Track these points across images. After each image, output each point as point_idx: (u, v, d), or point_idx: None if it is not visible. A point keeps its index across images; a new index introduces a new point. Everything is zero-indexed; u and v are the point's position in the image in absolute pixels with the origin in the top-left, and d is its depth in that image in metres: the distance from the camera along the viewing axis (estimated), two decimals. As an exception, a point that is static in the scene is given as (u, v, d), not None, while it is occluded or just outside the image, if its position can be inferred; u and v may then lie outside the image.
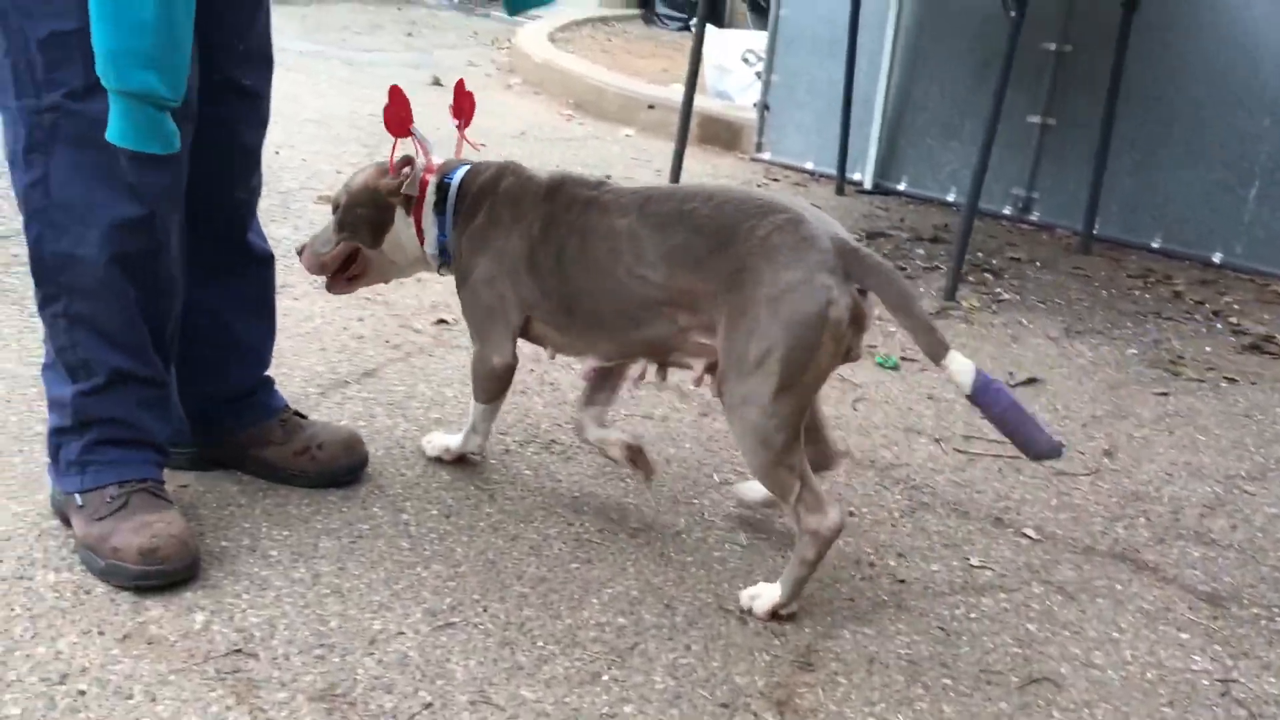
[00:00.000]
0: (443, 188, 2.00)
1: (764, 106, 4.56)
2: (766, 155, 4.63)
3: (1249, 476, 2.37)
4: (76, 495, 1.72)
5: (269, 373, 2.05)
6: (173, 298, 1.77)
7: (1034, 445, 1.59)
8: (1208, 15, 3.62)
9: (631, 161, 4.49)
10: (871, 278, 1.65)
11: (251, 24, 1.83)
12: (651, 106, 5.02)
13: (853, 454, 2.31)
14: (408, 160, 2.02)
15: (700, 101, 4.94)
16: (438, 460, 2.11)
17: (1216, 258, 3.73)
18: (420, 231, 2.03)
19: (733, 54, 5.01)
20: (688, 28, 7.35)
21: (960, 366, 1.59)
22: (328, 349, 2.54)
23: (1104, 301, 3.36)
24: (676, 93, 5.23)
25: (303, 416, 2.05)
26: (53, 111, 1.58)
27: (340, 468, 1.99)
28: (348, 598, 1.69)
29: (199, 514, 1.85)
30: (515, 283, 1.92)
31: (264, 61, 1.88)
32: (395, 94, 1.97)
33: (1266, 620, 1.88)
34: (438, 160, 2.05)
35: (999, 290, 3.37)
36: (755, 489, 2.03)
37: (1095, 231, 3.85)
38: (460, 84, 2.09)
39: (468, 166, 2.03)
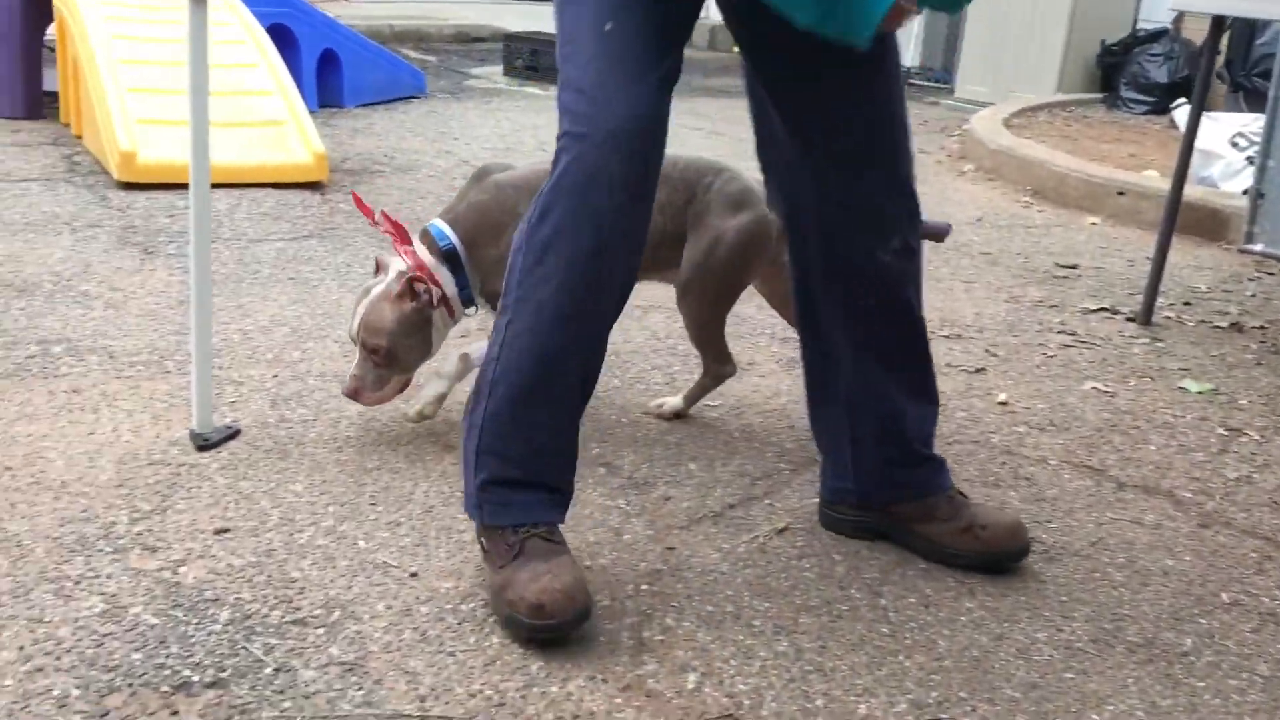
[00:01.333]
0: (448, 252, 2.28)
1: (1257, 194, 4.15)
2: (1259, 246, 4.20)
3: None
4: (481, 534, 1.82)
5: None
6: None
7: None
8: None
9: (1099, 250, 4.25)
10: None
11: None
12: (1121, 193, 4.74)
13: None
14: (416, 278, 2.23)
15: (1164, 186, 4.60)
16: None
17: None
18: (452, 310, 2.31)
19: (1221, 138, 4.63)
20: (1156, 111, 6.90)
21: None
22: (795, 427, 2.58)
23: None
24: (1149, 179, 4.91)
25: (965, 496, 2.06)
26: None
27: (1003, 551, 1.98)
28: (831, 677, 1.68)
29: (684, 577, 1.93)
30: None
31: None
32: (356, 200, 2.36)
33: None
34: (411, 244, 2.28)
35: None
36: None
37: None
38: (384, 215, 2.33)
39: (435, 220, 2.32)
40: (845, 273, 1.94)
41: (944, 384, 2.83)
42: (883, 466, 2.03)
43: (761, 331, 3.18)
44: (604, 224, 1.69)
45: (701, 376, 2.55)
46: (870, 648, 1.76)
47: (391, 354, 2.24)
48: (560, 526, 1.83)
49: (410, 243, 2.28)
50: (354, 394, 2.26)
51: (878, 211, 1.89)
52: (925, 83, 8.59)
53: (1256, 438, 2.62)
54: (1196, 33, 7.00)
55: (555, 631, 1.69)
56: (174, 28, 4.86)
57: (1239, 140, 4.49)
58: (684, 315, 2.45)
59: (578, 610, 1.70)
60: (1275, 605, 1.93)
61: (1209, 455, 2.52)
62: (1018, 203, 5.02)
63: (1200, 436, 2.62)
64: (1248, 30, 6.26)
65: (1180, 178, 3.38)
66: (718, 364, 2.51)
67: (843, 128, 1.86)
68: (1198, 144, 4.78)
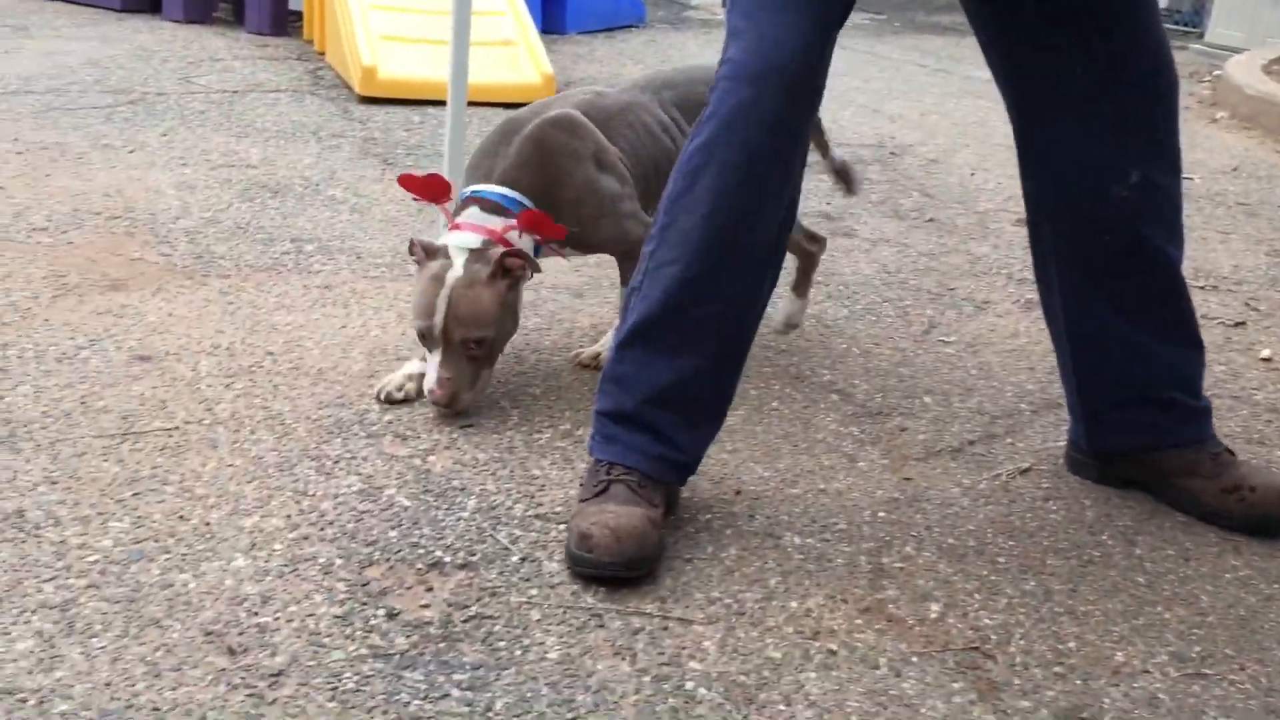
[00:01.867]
0: (501, 208, 2.03)
1: None
2: None
3: None
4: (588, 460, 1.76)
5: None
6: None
7: None
8: None
9: (1372, 207, 3.89)
10: None
11: None
12: (1401, 146, 4.33)
13: None
14: (516, 254, 2.01)
15: None
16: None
17: None
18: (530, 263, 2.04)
19: None
20: None
21: None
22: (1036, 369, 2.47)
23: None
24: None
25: (1231, 453, 1.93)
26: None
27: (1271, 516, 1.85)
28: (1084, 622, 1.60)
29: (923, 508, 1.87)
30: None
31: None
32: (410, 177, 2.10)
33: None
34: (461, 218, 2.05)
35: None
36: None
37: None
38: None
39: (486, 187, 2.06)
40: (1074, 209, 1.83)
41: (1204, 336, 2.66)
42: (1118, 411, 1.91)
43: (998, 271, 3.06)
44: (755, 157, 1.63)
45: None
46: (1125, 596, 1.67)
47: (493, 344, 2.03)
48: (677, 486, 1.77)
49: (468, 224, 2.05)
50: (451, 399, 1.99)
51: (1112, 145, 1.77)
52: (1173, 26, 8.02)
53: None
54: None
55: (593, 568, 1.59)
56: (414, -52, 4.98)
57: None
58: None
59: (622, 556, 1.58)
60: None
61: None
62: (1277, 153, 4.64)
63: None
64: None
65: None
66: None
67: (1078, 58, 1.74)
68: None
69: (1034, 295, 2.87)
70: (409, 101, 4.25)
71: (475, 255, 2.00)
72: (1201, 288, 2.99)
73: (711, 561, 1.69)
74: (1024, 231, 3.42)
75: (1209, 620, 1.62)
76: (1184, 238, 1.87)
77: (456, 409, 2.02)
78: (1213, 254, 3.28)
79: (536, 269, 2.05)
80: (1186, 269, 2.98)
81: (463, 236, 2.02)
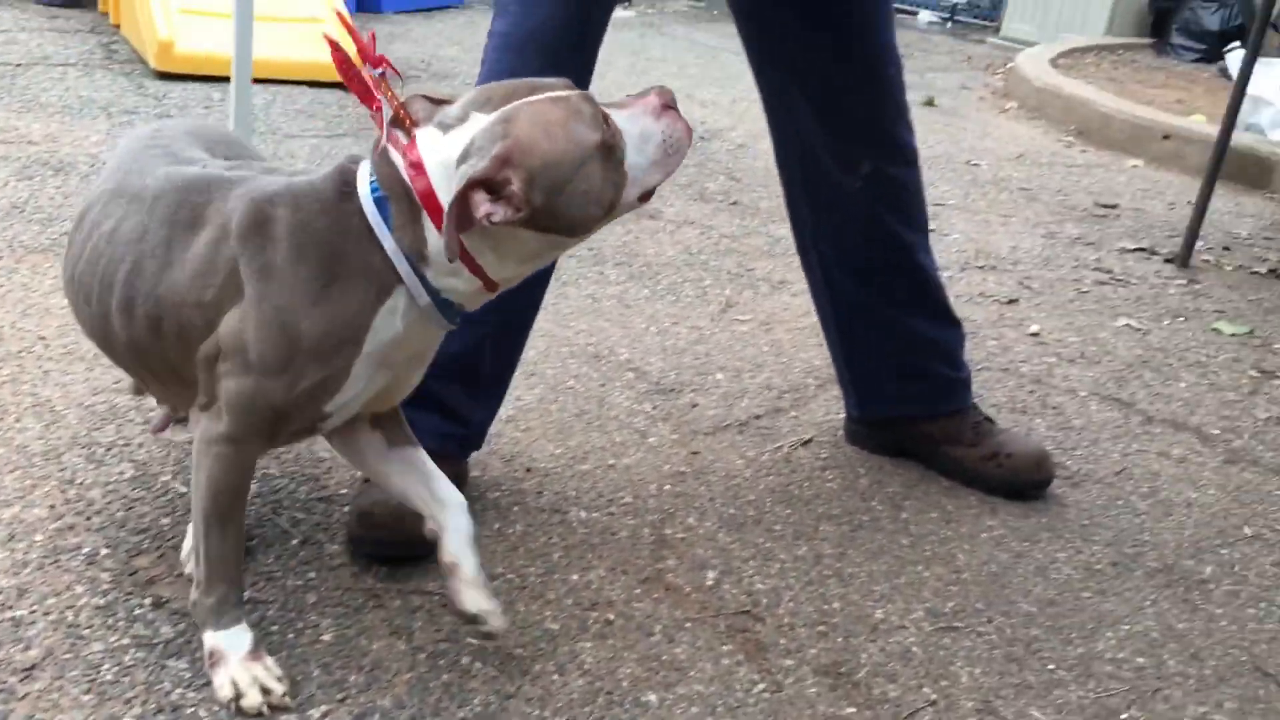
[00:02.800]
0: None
1: (1305, 142, 4.07)
2: (1303, 196, 4.13)
3: None
4: None
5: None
6: None
7: None
8: None
9: (1140, 193, 4.18)
10: None
11: None
12: (1167, 137, 4.65)
13: None
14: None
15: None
16: None
17: None
18: None
19: (1272, 84, 4.53)
20: (1206, 59, 6.74)
21: None
22: (824, 345, 2.57)
23: None
24: (1195, 124, 4.82)
25: (991, 422, 2.04)
26: None
27: (1025, 481, 1.97)
28: (849, 583, 1.69)
29: (707, 480, 1.94)
30: None
31: None
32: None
33: None
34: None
35: None
36: None
37: None
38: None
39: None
40: (816, 194, 1.93)
41: (975, 312, 2.82)
42: (881, 382, 2.02)
43: (794, 251, 3.16)
44: None
45: None
46: (889, 557, 1.77)
47: None
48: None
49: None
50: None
51: (843, 137, 1.86)
52: (971, 19, 8.41)
53: (1289, 382, 2.60)
54: (1255, -21, 6.83)
55: (373, 546, 1.60)
56: (215, -81, 4.80)
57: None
58: None
59: (403, 534, 1.53)
60: (1297, 541, 1.93)
61: (1240, 395, 2.50)
62: (1060, 141, 4.94)
63: (1232, 377, 2.60)
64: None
65: (1230, 121, 3.31)
66: None
67: (808, 68, 1.84)
68: (1252, 90, 4.69)
69: (826, 275, 2.99)
70: (208, 78, 4.10)
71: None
72: (981, 268, 3.16)
73: (497, 539, 1.70)
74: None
75: (964, 577, 1.73)
76: (926, 221, 1.98)
77: None
78: (994, 236, 3.47)
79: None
80: (967, 249, 3.15)
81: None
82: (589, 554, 1.69)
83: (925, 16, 8.51)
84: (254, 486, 1.74)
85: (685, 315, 2.64)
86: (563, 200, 1.23)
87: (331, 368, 1.27)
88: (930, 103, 5.42)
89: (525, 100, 1.25)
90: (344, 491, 1.76)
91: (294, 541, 1.63)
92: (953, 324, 2.03)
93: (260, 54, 3.92)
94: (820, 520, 1.85)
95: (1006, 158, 4.51)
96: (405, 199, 1.26)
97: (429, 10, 6.46)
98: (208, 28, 4.20)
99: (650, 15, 7.55)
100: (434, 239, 1.25)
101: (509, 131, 1.22)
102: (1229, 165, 4.33)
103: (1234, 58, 4.75)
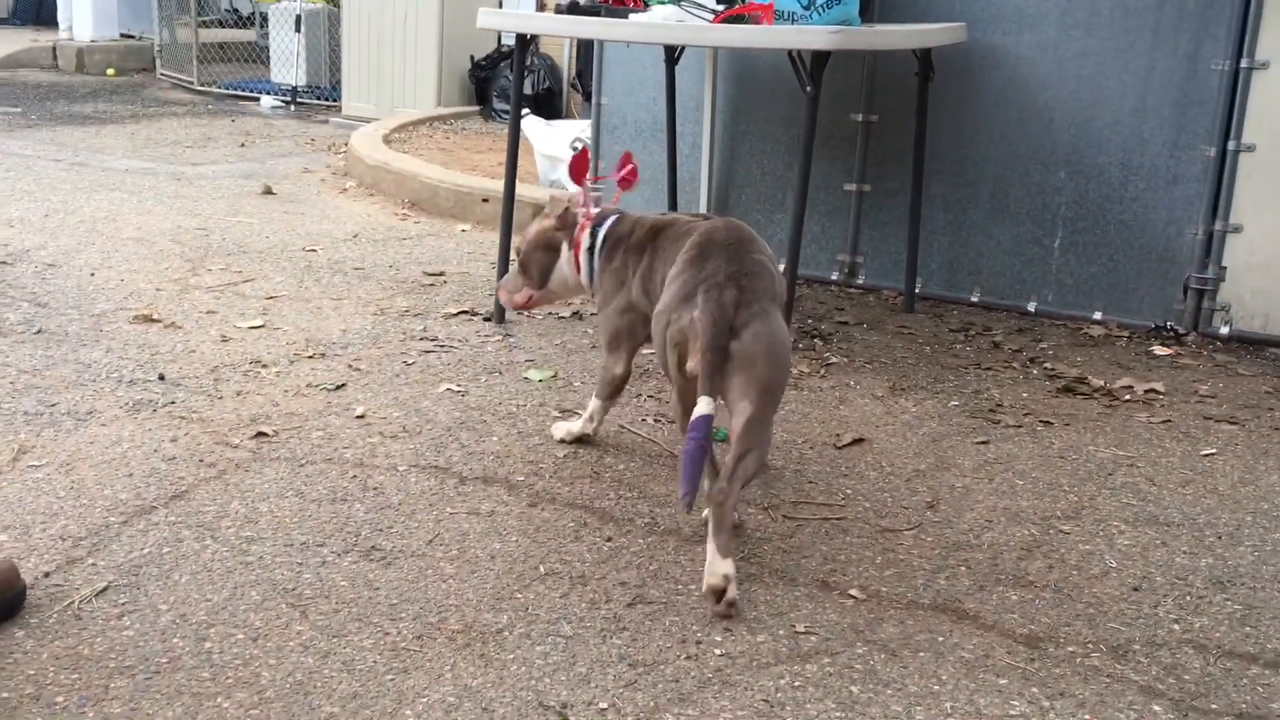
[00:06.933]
0: (594, 234, 2.57)
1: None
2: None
3: (1064, 516, 2.44)
4: None
5: None
6: None
7: (681, 486, 2.00)
8: (998, 79, 3.81)
9: (467, 255, 4.48)
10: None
11: None
12: (486, 200, 5.04)
13: (681, 529, 2.30)
14: (566, 207, 2.62)
15: (530, 191, 4.98)
16: (562, 442, 2.71)
17: (1031, 306, 3.87)
18: (579, 265, 2.59)
19: (560, 143, 5.07)
20: (526, 121, 7.43)
21: (704, 406, 2.01)
22: (135, 474, 2.43)
23: (928, 357, 3.46)
24: (510, 185, 5.27)
25: None
26: None
27: None
28: (140, 739, 1.59)
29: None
30: (640, 307, 2.46)
31: None
32: (583, 154, 2.74)
33: (1082, 657, 1.91)
34: (595, 210, 2.60)
35: (827, 354, 3.43)
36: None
37: (918, 290, 3.98)
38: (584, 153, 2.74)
39: (616, 217, 2.57)
40: None
41: (303, 405, 2.83)
42: None
43: (108, 376, 2.97)
44: None
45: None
46: (187, 697, 1.69)
47: (523, 257, 2.66)
48: None
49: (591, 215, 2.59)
50: (499, 293, 2.82)
51: None
52: (315, 100, 8.55)
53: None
54: (554, 48, 7.65)
55: None
56: None
57: (577, 144, 4.95)
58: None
59: None
60: (585, 568, 2.14)
61: (543, 438, 2.74)
62: (395, 215, 5.15)
63: (538, 421, 2.85)
64: (590, 44, 6.93)
65: (510, 180, 3.63)
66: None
67: None
68: (545, 149, 5.22)
69: (144, 395, 2.85)
70: None
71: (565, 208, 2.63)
72: (310, 357, 3.19)
73: None
74: (141, 329, 3.37)
75: (268, 695, 1.70)
76: None
77: (501, 301, 3.09)
78: (325, 322, 3.52)
79: (563, 236, 2.60)
80: (298, 340, 3.13)
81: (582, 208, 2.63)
82: None
83: (268, 101, 8.50)
84: None
85: (-33, 474, 2.36)
86: None
87: None
88: (268, 190, 5.41)
89: None
90: None
91: None
92: None
93: None
94: (113, 675, 1.73)
95: (343, 238, 4.62)
96: None
97: None
98: None
99: (-51, 126, 6.76)
100: None
101: None
102: (523, 216, 4.77)
103: (526, 123, 5.26)
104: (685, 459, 1.98)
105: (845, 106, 4.04)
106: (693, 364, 2.07)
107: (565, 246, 2.60)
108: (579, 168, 2.70)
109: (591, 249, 2.55)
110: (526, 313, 2.85)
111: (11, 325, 3.32)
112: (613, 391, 2.62)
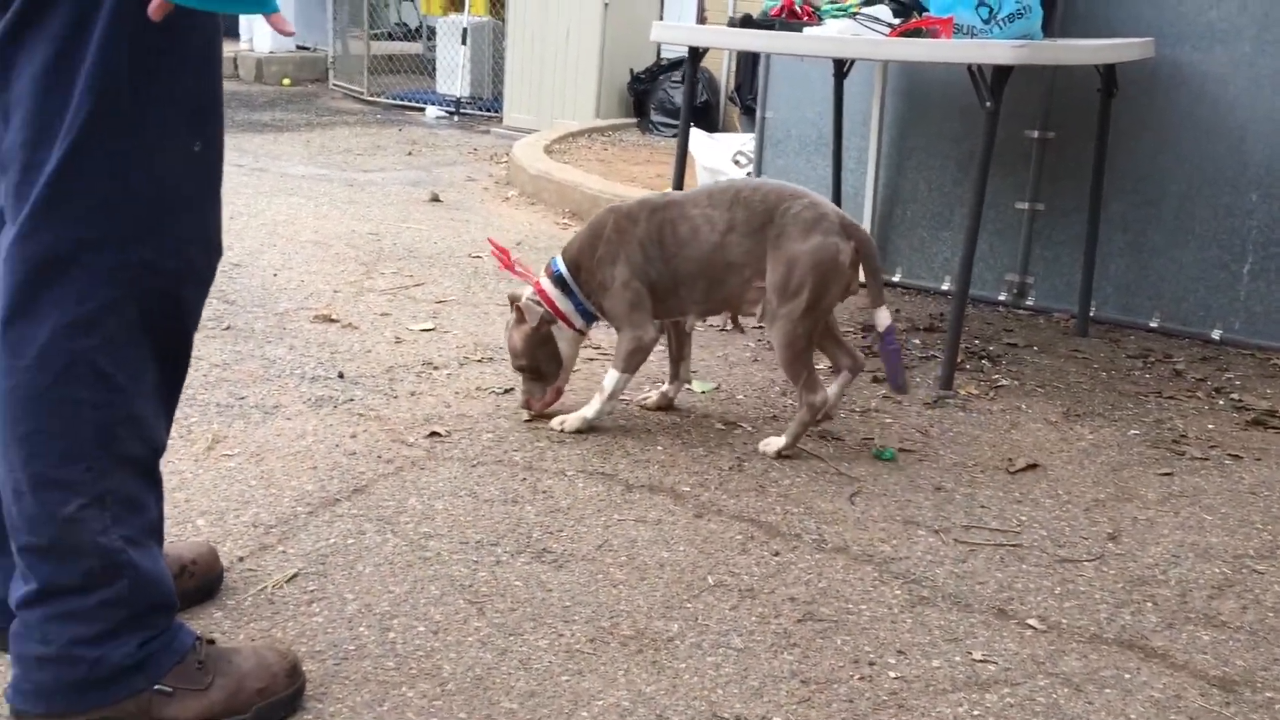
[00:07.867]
0: (557, 278, 2.73)
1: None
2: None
3: (1257, 555, 2.32)
4: None
5: None
6: None
7: (892, 379, 2.71)
8: (1186, 96, 3.66)
9: (627, 266, 4.52)
10: (859, 237, 2.62)
11: None
12: (646, 212, 5.09)
13: (850, 548, 2.27)
14: (513, 300, 2.78)
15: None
16: (578, 431, 2.77)
17: (1216, 334, 3.70)
18: (567, 320, 2.74)
19: (723, 156, 5.08)
20: (682, 134, 7.48)
21: (882, 317, 2.64)
22: (319, 467, 2.53)
23: (1104, 383, 3.33)
24: (670, 197, 5.30)
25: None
26: None
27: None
28: (331, 722, 1.65)
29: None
30: (643, 276, 2.66)
31: None
32: (497, 247, 2.85)
33: (1282, 704, 1.82)
34: (535, 272, 2.78)
35: (996, 377, 3.35)
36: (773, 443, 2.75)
37: (1092, 314, 3.84)
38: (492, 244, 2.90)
39: (557, 256, 2.76)
40: None
41: (474, 407, 2.91)
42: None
43: (292, 372, 3.10)
44: None
45: (798, 413, 2.69)
46: (374, 684, 1.75)
47: (529, 367, 2.75)
48: None
49: (533, 277, 2.78)
50: (527, 405, 2.83)
51: None
52: (477, 111, 8.78)
53: (749, 428, 2.89)
54: (712, 61, 7.68)
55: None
56: None
57: (739, 158, 4.96)
58: (773, 343, 2.67)
59: None
60: (753, 581, 2.14)
61: (708, 449, 2.75)
62: (557, 224, 5.24)
63: (701, 433, 2.85)
64: (752, 57, 6.92)
65: (679, 190, 3.65)
66: (809, 393, 2.64)
67: None
68: (706, 163, 5.23)
69: (325, 392, 2.97)
70: None
71: (513, 306, 2.78)
72: (479, 360, 3.27)
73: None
74: (321, 328, 3.51)
75: (449, 689, 1.75)
76: None
77: (533, 412, 2.84)
78: (492, 327, 3.61)
79: (551, 321, 2.73)
80: (466, 343, 3.20)
81: (526, 290, 2.79)
82: None
83: (433, 111, 8.77)
84: None
85: (166, 461, 2.49)
86: None
87: None
88: (435, 198, 5.57)
89: None
90: None
91: None
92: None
93: None
94: (305, 660, 1.80)
95: (507, 246, 4.72)
96: None
97: None
98: None
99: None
100: None
101: None
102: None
103: (694, 134, 5.28)
104: (895, 357, 2.63)
105: (1020, 122, 3.94)
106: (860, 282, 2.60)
107: (555, 328, 2.74)
108: (503, 257, 2.81)
109: (563, 286, 2.73)
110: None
111: (203, 321, 3.48)
112: (640, 361, 2.74)
